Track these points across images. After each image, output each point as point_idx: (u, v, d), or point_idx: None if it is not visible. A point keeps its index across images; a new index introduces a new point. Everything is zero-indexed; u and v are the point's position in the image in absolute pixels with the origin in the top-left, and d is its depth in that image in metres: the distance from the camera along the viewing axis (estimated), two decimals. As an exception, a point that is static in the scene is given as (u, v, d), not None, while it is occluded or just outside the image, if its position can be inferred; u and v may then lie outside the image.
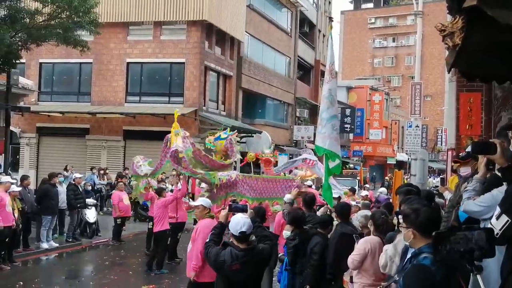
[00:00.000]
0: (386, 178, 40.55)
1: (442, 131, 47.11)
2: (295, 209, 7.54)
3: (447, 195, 7.96)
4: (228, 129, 11.12)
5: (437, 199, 8.45)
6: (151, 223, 12.81)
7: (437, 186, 26.02)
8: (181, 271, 10.98)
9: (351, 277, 5.91)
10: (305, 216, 7.18)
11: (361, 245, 5.72)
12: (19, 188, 11.63)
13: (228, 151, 10.28)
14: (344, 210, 6.93)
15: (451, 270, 3.20)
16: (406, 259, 3.52)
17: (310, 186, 13.70)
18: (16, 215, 10.99)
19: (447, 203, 7.77)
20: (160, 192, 11.60)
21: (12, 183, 11.14)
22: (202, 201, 6.99)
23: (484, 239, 3.07)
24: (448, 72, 4.72)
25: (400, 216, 4.20)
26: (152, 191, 12.53)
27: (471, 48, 3.66)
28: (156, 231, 11.16)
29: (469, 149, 5.30)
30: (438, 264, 3.12)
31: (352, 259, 5.72)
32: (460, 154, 6.09)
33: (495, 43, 3.77)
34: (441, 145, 47.29)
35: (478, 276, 3.21)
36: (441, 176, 10.82)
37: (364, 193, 15.39)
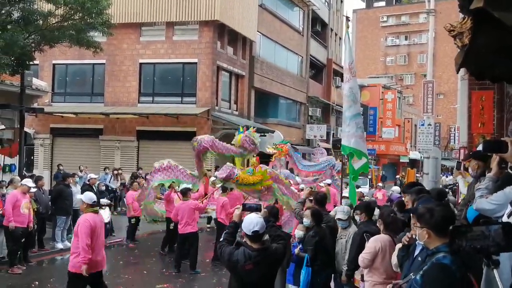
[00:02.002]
0: (398, 176, 40.27)
1: (455, 129, 46.70)
2: (315, 207, 7.67)
3: (460, 179, 7.98)
4: (241, 127, 11.27)
5: (450, 197, 8.45)
6: (172, 224, 12.88)
7: (450, 185, 25.87)
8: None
9: (362, 276, 5.93)
10: (322, 214, 7.32)
11: (371, 244, 5.73)
12: (34, 189, 11.76)
13: (245, 146, 10.52)
14: (369, 209, 6.98)
15: (467, 268, 3.21)
16: (414, 257, 3.52)
17: (329, 185, 13.73)
18: (31, 216, 11.13)
19: (460, 201, 7.75)
20: (185, 193, 11.64)
21: (30, 187, 11.24)
22: (83, 196, 7.58)
23: (501, 235, 3.05)
24: (457, 72, 4.70)
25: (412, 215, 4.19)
26: (174, 191, 12.69)
27: (480, 49, 3.66)
28: (186, 232, 11.19)
29: (480, 147, 5.29)
30: (458, 263, 3.13)
31: (362, 257, 5.74)
32: (471, 153, 6.09)
33: (505, 45, 3.76)
34: (454, 143, 46.89)
35: (495, 271, 3.20)
36: (458, 161, 10.73)
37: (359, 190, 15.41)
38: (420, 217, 3.40)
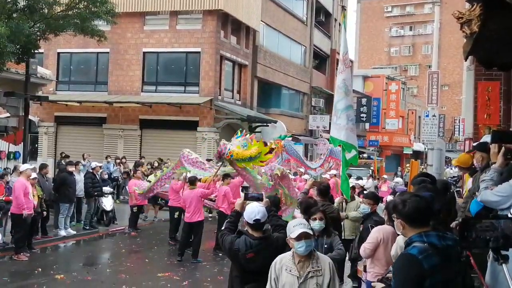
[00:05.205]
0: (399, 169, 40.09)
1: (459, 120, 46.61)
2: (306, 199, 7.55)
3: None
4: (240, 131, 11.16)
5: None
6: (177, 212, 12.92)
7: (454, 177, 25.85)
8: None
9: (365, 266, 5.93)
10: (317, 205, 7.20)
11: (374, 234, 5.73)
12: (36, 176, 11.77)
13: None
14: (378, 200, 6.96)
15: (445, 259, 3.14)
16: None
17: (335, 175, 13.71)
18: (36, 202, 11.21)
19: (464, 194, 7.72)
20: (193, 181, 11.65)
21: (32, 169, 11.37)
22: None
23: (511, 228, 3.04)
24: (465, 60, 4.66)
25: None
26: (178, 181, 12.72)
27: (489, 36, 3.62)
28: (194, 221, 11.23)
29: (484, 139, 5.26)
30: (427, 253, 3.10)
31: (364, 247, 5.74)
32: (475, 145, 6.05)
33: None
34: (459, 135, 46.82)
35: (504, 266, 3.17)
36: (457, 189, 10.66)
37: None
38: (394, 208, 3.41)
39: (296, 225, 4.37)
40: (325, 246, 5.72)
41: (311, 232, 4.37)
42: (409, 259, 3.11)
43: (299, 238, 4.25)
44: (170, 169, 11.99)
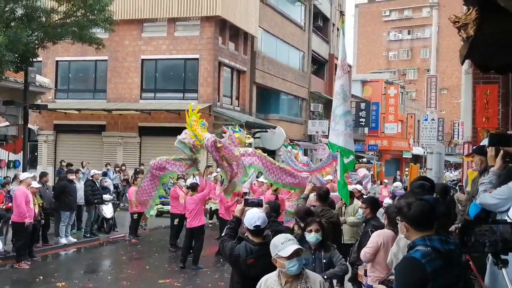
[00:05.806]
0: (398, 172, 39.99)
1: (458, 124, 46.63)
2: (301, 206, 7.52)
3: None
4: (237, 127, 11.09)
5: (457, 194, 8.40)
6: (177, 219, 12.94)
7: (454, 180, 25.86)
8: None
9: (365, 271, 5.92)
10: (310, 211, 7.16)
11: (374, 238, 5.73)
12: (39, 185, 11.81)
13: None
14: (375, 205, 6.95)
15: (447, 263, 3.14)
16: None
17: (331, 181, 13.69)
18: (36, 210, 11.22)
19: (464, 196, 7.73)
20: (194, 187, 11.67)
21: (31, 178, 11.38)
22: None
23: (509, 232, 3.05)
24: (462, 64, 4.69)
25: None
26: (178, 187, 12.70)
27: (484, 40, 3.64)
28: (195, 226, 11.25)
29: (484, 142, 5.27)
30: (430, 257, 3.11)
31: (364, 252, 5.74)
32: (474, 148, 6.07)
33: (510, 34, 3.75)
34: (458, 138, 46.83)
35: (504, 270, 3.17)
36: (459, 184, 10.70)
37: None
38: (399, 211, 3.42)
39: (285, 241, 3.90)
40: (324, 261, 5.34)
41: (302, 248, 4.00)
42: (412, 263, 3.12)
43: (291, 256, 3.82)
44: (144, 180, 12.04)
